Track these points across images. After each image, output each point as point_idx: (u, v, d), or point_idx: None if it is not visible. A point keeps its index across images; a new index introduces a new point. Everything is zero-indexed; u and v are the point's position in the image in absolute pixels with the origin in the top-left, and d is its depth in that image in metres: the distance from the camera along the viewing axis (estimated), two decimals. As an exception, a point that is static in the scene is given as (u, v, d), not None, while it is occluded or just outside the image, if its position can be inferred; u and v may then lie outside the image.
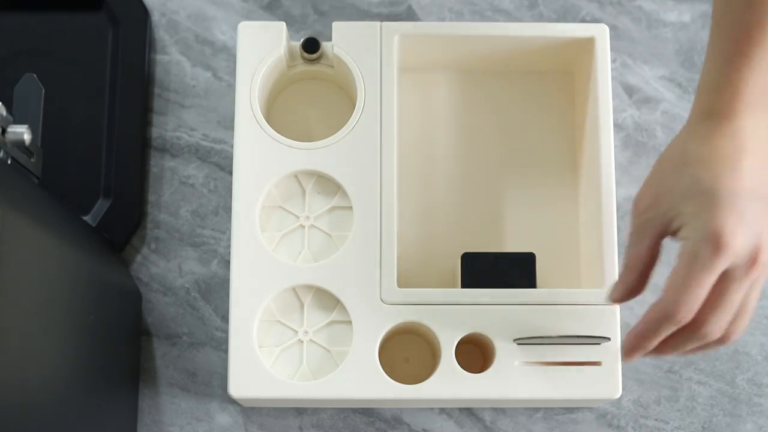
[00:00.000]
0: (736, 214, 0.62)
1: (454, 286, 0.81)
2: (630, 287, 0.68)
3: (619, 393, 0.77)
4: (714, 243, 0.61)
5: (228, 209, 0.87)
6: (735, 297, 0.64)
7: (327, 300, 0.79)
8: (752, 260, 0.62)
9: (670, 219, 0.65)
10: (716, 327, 0.64)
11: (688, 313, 0.63)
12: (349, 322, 0.78)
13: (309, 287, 0.79)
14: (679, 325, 0.64)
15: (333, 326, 0.79)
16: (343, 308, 0.78)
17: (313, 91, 0.86)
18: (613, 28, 0.90)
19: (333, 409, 0.84)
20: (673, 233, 0.65)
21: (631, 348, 0.67)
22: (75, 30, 0.89)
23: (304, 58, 0.83)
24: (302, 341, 0.79)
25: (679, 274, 0.63)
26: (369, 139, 0.80)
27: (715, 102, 0.65)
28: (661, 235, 0.66)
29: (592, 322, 0.77)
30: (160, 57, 0.90)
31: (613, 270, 0.78)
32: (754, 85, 0.64)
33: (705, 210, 0.62)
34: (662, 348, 0.67)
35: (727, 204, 0.62)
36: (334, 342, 0.79)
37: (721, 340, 0.66)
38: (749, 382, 0.85)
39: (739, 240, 0.61)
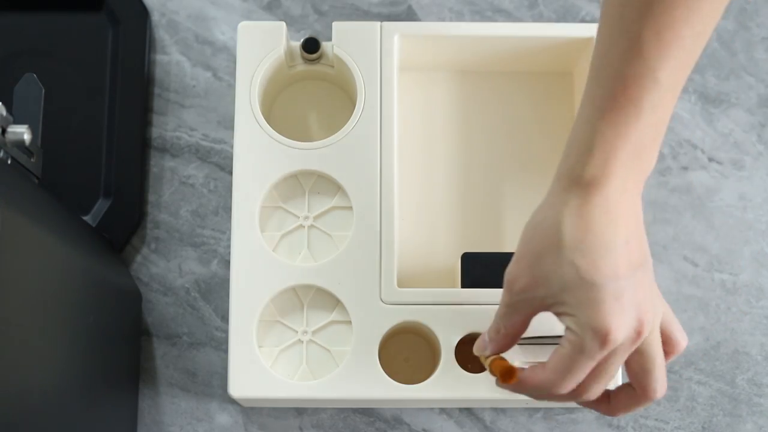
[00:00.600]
0: (619, 304, 0.62)
1: (454, 286, 0.81)
2: (501, 349, 0.71)
3: (619, 393, 0.77)
4: (601, 339, 0.62)
5: (228, 209, 0.87)
6: (617, 366, 0.65)
7: (327, 300, 0.79)
8: (636, 336, 0.63)
9: (549, 305, 0.65)
10: (597, 392, 0.67)
11: (567, 390, 0.66)
12: (349, 322, 0.78)
13: (309, 287, 0.79)
14: (551, 399, 0.68)
15: (333, 326, 0.79)
16: (343, 308, 0.78)
17: (313, 91, 0.86)
18: (613, 28, 0.90)
19: (333, 409, 0.84)
20: (553, 313, 0.66)
21: (503, 386, 0.69)
22: (75, 30, 0.89)
23: (304, 58, 0.83)
24: (302, 341, 0.79)
25: (564, 360, 0.65)
26: (369, 139, 0.80)
27: (587, 165, 0.62)
28: (535, 314, 0.67)
29: (592, 322, 0.77)
30: (160, 57, 0.90)
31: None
32: (628, 146, 0.61)
33: (588, 305, 0.62)
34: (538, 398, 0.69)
35: (609, 295, 0.62)
36: (334, 342, 0.79)
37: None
38: (749, 382, 0.85)
39: (622, 330, 0.62)
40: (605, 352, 0.63)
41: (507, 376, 0.69)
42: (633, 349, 0.64)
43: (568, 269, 0.62)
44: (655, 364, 0.66)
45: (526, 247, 0.66)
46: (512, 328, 0.69)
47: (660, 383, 0.67)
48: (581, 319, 0.63)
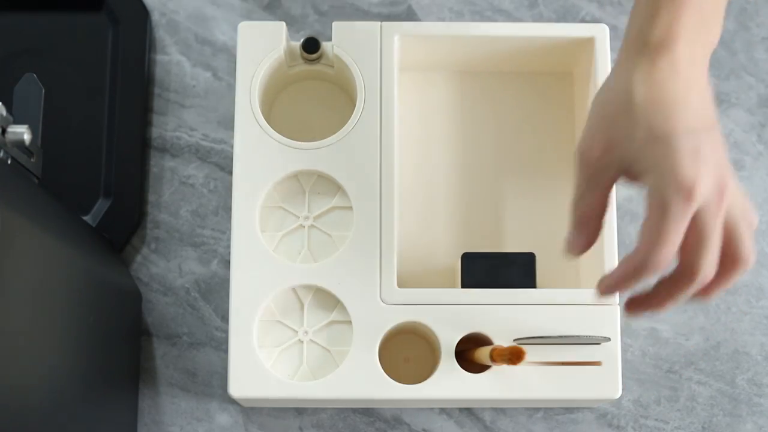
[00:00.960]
0: (698, 157, 0.61)
1: (454, 286, 0.81)
2: (590, 239, 0.67)
3: (619, 393, 0.77)
4: (685, 193, 0.61)
5: (228, 209, 0.87)
6: (715, 232, 0.63)
7: (327, 300, 0.79)
8: (720, 195, 0.62)
9: (627, 165, 0.64)
10: (710, 267, 0.64)
11: (666, 263, 0.63)
12: (349, 322, 0.78)
13: (309, 287, 0.79)
14: (657, 274, 0.64)
15: (333, 326, 0.79)
16: (343, 308, 0.78)
17: (313, 91, 0.86)
18: (613, 28, 0.90)
19: (333, 409, 0.84)
20: (631, 178, 0.64)
21: (606, 290, 0.65)
22: (75, 30, 0.89)
23: (304, 58, 0.83)
24: (302, 341, 0.79)
25: (653, 226, 0.62)
26: (369, 139, 0.80)
27: (654, 28, 0.63)
28: (614, 182, 0.65)
29: (592, 322, 0.77)
30: (160, 57, 0.90)
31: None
32: (691, 10, 0.62)
33: (667, 157, 0.61)
34: (661, 301, 0.65)
35: (687, 148, 0.61)
36: (334, 342, 0.79)
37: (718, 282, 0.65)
38: (749, 382, 0.85)
39: (705, 182, 0.61)
40: (692, 208, 0.61)
41: (517, 355, 0.68)
42: (721, 211, 0.62)
43: (642, 126, 0.62)
44: (742, 228, 0.64)
45: (599, 115, 0.65)
46: (596, 206, 0.66)
47: (751, 247, 0.65)
48: (661, 175, 0.61)
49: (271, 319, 0.79)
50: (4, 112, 0.67)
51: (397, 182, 0.81)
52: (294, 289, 0.79)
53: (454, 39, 0.83)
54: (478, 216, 0.85)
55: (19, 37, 0.88)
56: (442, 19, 0.91)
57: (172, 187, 0.88)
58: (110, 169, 0.86)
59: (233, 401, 0.84)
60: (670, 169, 0.61)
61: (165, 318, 0.85)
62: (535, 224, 0.84)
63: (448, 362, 0.77)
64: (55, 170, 0.84)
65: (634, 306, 0.66)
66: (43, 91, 0.72)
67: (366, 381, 0.76)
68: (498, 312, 0.77)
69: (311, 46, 0.81)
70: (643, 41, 0.64)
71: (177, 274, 0.86)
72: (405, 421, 0.84)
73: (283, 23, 0.81)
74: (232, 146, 0.87)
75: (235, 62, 0.84)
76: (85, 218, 0.85)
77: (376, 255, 0.78)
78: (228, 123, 0.89)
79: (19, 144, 0.68)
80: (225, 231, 0.87)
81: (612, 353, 0.77)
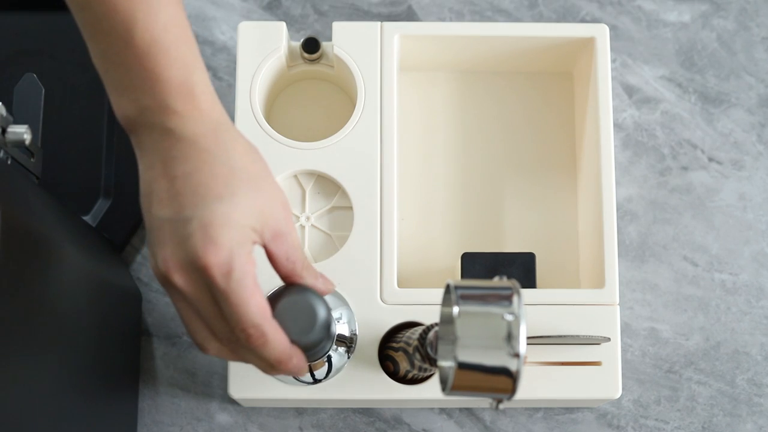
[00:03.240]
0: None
1: (454, 286, 0.81)
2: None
3: (619, 393, 0.77)
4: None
5: (228, 209, 0.86)
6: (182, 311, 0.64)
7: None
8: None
9: None
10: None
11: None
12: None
13: (309, 287, 0.78)
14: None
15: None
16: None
17: (313, 91, 0.86)
18: (613, 28, 0.90)
19: (333, 409, 0.84)
20: None
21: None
22: (75, 30, 0.88)
23: (304, 58, 0.83)
24: (302, 341, 0.78)
25: None
26: (369, 139, 0.80)
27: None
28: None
29: (592, 322, 0.77)
30: (160, 57, 0.90)
31: (613, 270, 0.78)
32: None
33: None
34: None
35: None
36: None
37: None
38: (749, 382, 0.85)
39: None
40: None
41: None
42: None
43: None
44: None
45: None
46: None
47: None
48: None
49: (271, 319, 0.79)
50: (4, 112, 0.67)
51: (397, 182, 0.81)
52: (294, 289, 0.79)
53: (454, 39, 0.83)
54: (478, 216, 0.85)
55: (19, 37, 0.88)
56: (442, 19, 0.91)
57: (172, 187, 0.88)
58: (110, 169, 0.86)
59: (233, 401, 0.84)
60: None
61: (165, 318, 0.85)
62: (535, 224, 0.84)
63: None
64: (55, 170, 0.84)
65: None
66: (43, 91, 0.72)
67: (366, 381, 0.76)
68: (498, 312, 0.77)
69: (311, 46, 0.81)
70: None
71: (177, 274, 0.86)
72: (405, 421, 0.84)
73: (283, 23, 0.81)
74: (232, 146, 0.87)
75: (235, 62, 0.84)
76: (85, 218, 0.85)
77: (376, 255, 0.78)
78: (228, 123, 0.88)
79: (19, 144, 0.68)
80: (225, 231, 0.86)
81: (612, 353, 0.77)
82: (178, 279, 0.60)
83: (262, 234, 0.61)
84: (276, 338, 0.62)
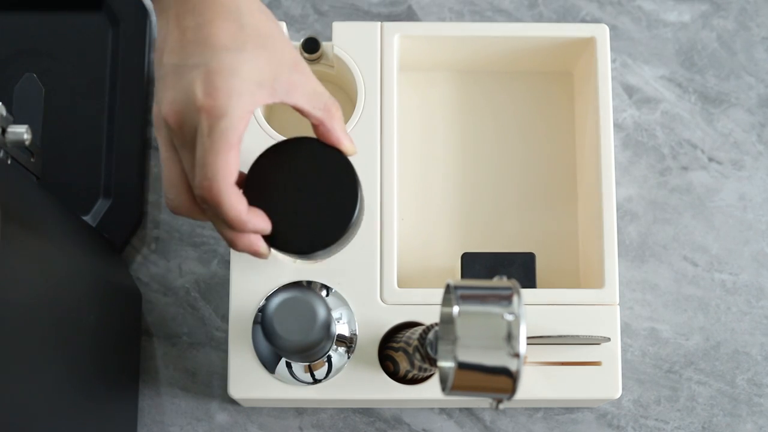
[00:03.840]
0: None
1: (454, 286, 0.81)
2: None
3: (619, 393, 0.77)
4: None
5: (228, 209, 0.86)
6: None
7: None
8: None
9: None
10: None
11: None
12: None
13: (309, 287, 0.78)
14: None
15: (333, 326, 0.79)
16: (343, 308, 0.78)
17: (313, 91, 0.85)
18: (613, 28, 0.90)
19: (333, 409, 0.84)
20: None
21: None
22: (75, 30, 0.89)
23: (304, 58, 0.83)
24: (302, 341, 0.78)
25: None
26: (369, 139, 0.80)
27: None
28: None
29: (592, 322, 0.77)
30: (160, 57, 0.90)
31: (613, 270, 0.78)
32: None
33: None
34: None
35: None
36: (334, 342, 0.79)
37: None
38: (749, 382, 0.85)
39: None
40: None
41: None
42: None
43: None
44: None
45: None
46: None
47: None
48: None
49: (271, 319, 0.79)
50: (4, 112, 0.67)
51: (397, 182, 0.81)
52: (294, 289, 0.79)
53: (454, 39, 0.83)
54: (478, 216, 0.85)
55: (19, 37, 0.88)
56: (442, 19, 0.91)
57: (172, 187, 0.88)
58: (110, 169, 0.86)
59: (233, 401, 0.84)
60: None
61: (165, 318, 0.85)
62: (535, 224, 0.84)
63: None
64: (55, 170, 0.84)
65: None
66: (43, 91, 0.72)
67: (366, 381, 0.76)
68: (498, 312, 0.77)
69: (311, 46, 0.81)
70: None
71: (177, 274, 0.86)
72: (405, 421, 0.84)
73: (283, 23, 0.81)
74: (232, 146, 0.87)
75: (235, 62, 0.84)
76: (85, 218, 0.85)
77: (376, 255, 0.78)
78: (228, 123, 0.88)
79: (19, 144, 0.68)
80: (225, 231, 0.87)
81: (612, 353, 0.77)
82: (172, 120, 0.61)
83: (274, 90, 0.63)
84: (232, 199, 0.62)
